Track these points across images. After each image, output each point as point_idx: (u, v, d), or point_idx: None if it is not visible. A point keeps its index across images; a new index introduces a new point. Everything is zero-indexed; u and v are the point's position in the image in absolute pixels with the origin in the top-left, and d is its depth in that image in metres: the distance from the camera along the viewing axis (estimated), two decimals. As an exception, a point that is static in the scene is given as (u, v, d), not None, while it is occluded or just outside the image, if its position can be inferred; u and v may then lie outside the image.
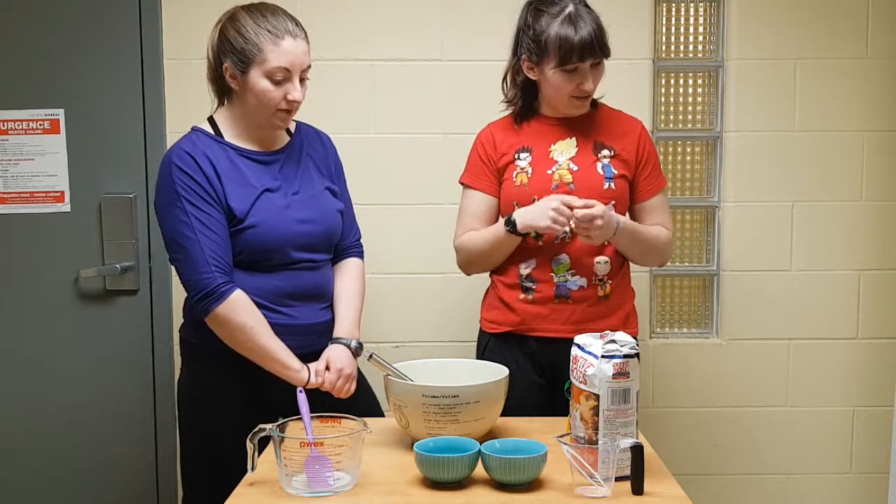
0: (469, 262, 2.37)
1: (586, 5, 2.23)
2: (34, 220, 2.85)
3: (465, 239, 2.34)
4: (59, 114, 2.83)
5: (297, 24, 2.09)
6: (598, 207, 2.14)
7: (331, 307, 2.22)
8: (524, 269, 2.29)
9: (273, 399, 2.03)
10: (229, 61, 2.06)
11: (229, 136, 2.13)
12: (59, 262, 2.86)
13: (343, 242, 2.27)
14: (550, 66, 2.21)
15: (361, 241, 2.35)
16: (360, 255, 2.33)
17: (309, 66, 2.09)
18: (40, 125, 2.83)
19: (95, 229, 2.85)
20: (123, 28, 2.80)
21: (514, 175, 2.29)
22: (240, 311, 2.02)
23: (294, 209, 2.11)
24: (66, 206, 2.85)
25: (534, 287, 2.28)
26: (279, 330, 2.08)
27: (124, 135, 2.83)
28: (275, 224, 2.07)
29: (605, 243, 2.25)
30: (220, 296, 2.01)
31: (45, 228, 2.85)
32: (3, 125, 2.82)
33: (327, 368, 2.10)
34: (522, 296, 2.29)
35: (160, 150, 2.82)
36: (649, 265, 2.62)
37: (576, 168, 2.27)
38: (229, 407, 2.09)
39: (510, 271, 2.31)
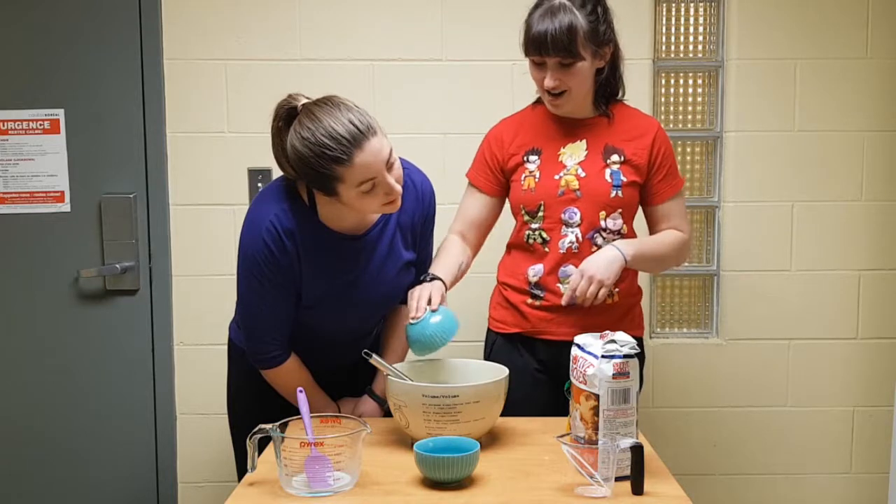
0: None
1: (583, 3, 2.13)
2: (34, 220, 2.85)
3: (445, 243, 2.29)
4: (59, 114, 2.83)
5: (359, 114, 1.88)
6: (573, 280, 2.12)
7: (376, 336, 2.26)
8: (533, 277, 2.25)
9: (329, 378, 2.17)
10: (314, 187, 1.96)
11: (324, 215, 2.01)
12: (59, 262, 2.86)
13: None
14: (526, 55, 2.19)
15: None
16: None
17: (391, 150, 1.90)
18: (40, 125, 2.83)
19: (95, 229, 2.85)
20: (123, 28, 2.80)
21: (523, 178, 2.24)
22: (285, 376, 2.10)
23: (360, 302, 2.09)
24: (66, 206, 2.85)
25: (542, 294, 2.24)
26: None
27: (124, 135, 2.83)
28: (331, 320, 2.10)
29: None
30: (272, 364, 2.09)
31: (45, 228, 2.85)
32: (3, 125, 2.82)
33: None
34: (530, 301, 2.26)
35: (160, 150, 2.84)
36: (667, 269, 2.60)
37: (583, 174, 2.20)
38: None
39: (519, 276, 2.27)
